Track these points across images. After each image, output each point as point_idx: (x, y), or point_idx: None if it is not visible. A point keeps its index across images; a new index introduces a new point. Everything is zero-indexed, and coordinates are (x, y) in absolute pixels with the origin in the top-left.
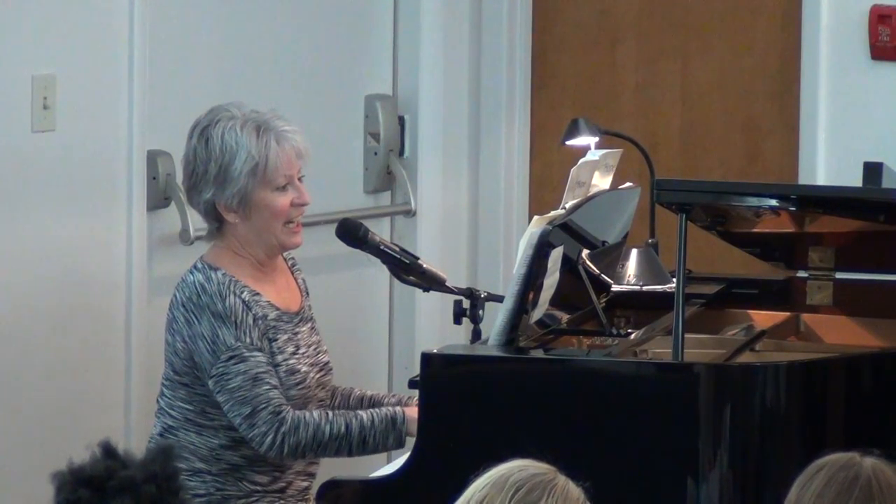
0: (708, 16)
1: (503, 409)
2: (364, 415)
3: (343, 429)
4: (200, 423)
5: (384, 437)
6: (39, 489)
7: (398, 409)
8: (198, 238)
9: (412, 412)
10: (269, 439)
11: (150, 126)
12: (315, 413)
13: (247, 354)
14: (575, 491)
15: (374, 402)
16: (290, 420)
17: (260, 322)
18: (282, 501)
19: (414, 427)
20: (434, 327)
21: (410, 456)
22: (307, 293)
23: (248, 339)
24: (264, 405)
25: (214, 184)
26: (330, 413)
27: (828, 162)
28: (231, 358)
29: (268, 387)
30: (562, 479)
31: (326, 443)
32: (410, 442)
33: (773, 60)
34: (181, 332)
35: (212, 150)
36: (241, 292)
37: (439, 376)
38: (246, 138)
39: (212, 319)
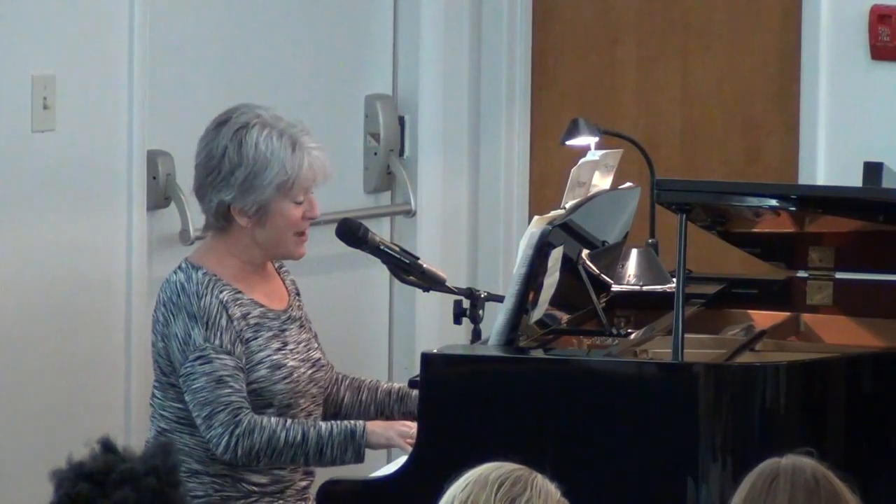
0: (708, 16)
1: (503, 409)
2: (323, 425)
3: (299, 437)
4: (193, 424)
5: (342, 450)
6: (39, 489)
7: (359, 422)
8: (198, 238)
9: (374, 425)
10: (224, 441)
11: (150, 126)
12: (273, 419)
13: (213, 356)
14: (552, 487)
15: (402, 395)
16: (245, 423)
17: (236, 323)
18: (281, 501)
19: (375, 439)
20: (434, 327)
21: (410, 456)
22: (297, 294)
23: (217, 341)
24: (223, 408)
25: (238, 189)
26: (289, 420)
27: (828, 162)
28: (198, 358)
29: (230, 390)
30: (539, 476)
31: (281, 449)
32: (371, 455)
33: (773, 60)
34: (162, 332)
35: (244, 157)
36: (221, 292)
37: (439, 376)
38: (282, 151)
39: (186, 319)
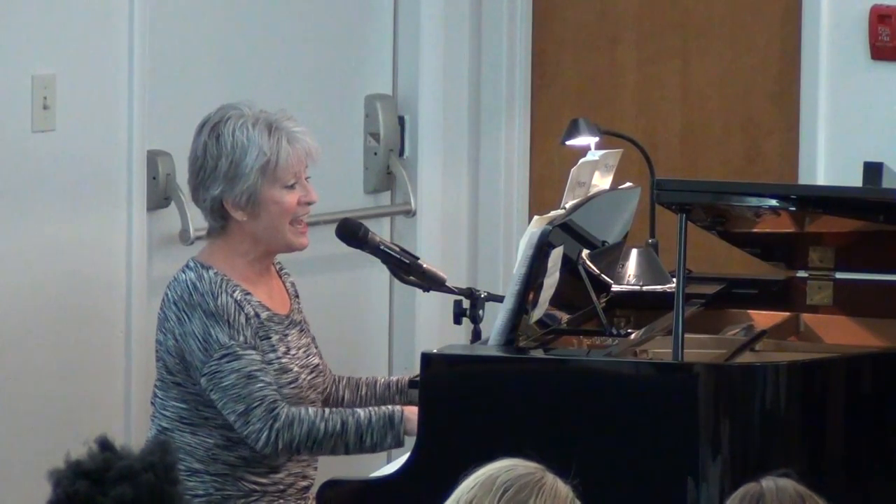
0: (708, 16)
1: (503, 409)
2: (361, 413)
3: (339, 426)
4: (195, 422)
5: (382, 436)
6: (39, 489)
7: (397, 407)
8: (198, 238)
9: (411, 411)
10: (263, 436)
11: (150, 126)
12: (311, 410)
13: (241, 353)
14: (563, 489)
15: (402, 388)
16: (284, 416)
17: (252, 320)
18: (281, 501)
19: (413, 426)
20: (434, 327)
21: (410, 456)
22: (297, 296)
23: (241, 338)
24: (259, 402)
25: (224, 180)
26: (326, 411)
27: (828, 162)
28: (224, 356)
29: (262, 384)
30: (550, 478)
31: (321, 440)
32: (410, 441)
33: (773, 60)
34: (173, 331)
35: (223, 146)
36: (234, 291)
37: (439, 376)
38: (258, 135)
39: (203, 318)
